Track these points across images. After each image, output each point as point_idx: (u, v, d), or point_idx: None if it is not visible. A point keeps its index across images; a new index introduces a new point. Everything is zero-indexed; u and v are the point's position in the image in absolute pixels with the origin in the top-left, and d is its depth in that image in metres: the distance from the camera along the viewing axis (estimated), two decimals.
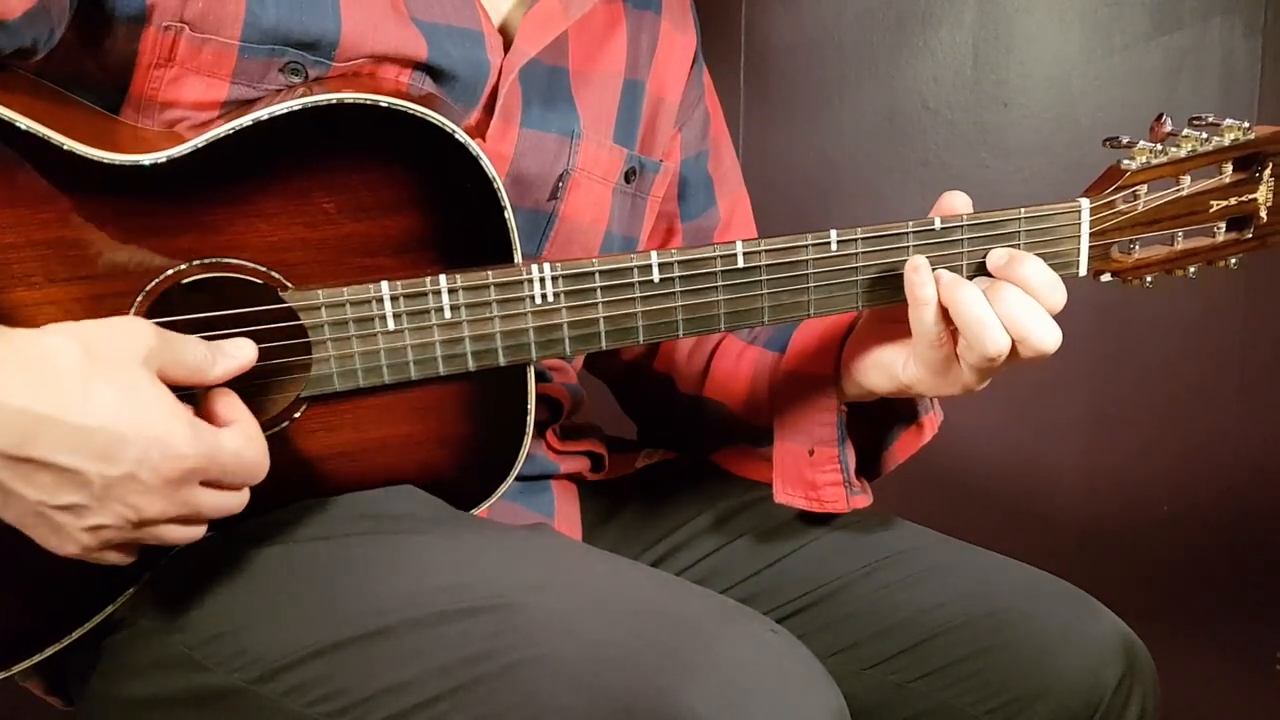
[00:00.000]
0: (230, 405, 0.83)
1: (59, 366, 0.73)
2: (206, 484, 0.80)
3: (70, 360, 0.74)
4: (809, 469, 1.07)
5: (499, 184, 0.89)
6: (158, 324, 0.81)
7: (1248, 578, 2.18)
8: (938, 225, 0.95)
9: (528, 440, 0.96)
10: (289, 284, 0.87)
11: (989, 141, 2.04)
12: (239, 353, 0.85)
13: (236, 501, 0.83)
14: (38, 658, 0.90)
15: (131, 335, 0.78)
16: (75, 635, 0.90)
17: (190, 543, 0.83)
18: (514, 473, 0.97)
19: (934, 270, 0.93)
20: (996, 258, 0.95)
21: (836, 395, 1.05)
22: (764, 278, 0.94)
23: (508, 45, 1.02)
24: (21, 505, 0.75)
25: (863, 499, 1.08)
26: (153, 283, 0.85)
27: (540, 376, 1.11)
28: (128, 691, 0.92)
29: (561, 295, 0.91)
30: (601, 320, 0.93)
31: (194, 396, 0.82)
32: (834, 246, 0.94)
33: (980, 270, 0.96)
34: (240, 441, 0.81)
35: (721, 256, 0.93)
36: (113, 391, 0.74)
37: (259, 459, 0.83)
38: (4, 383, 0.71)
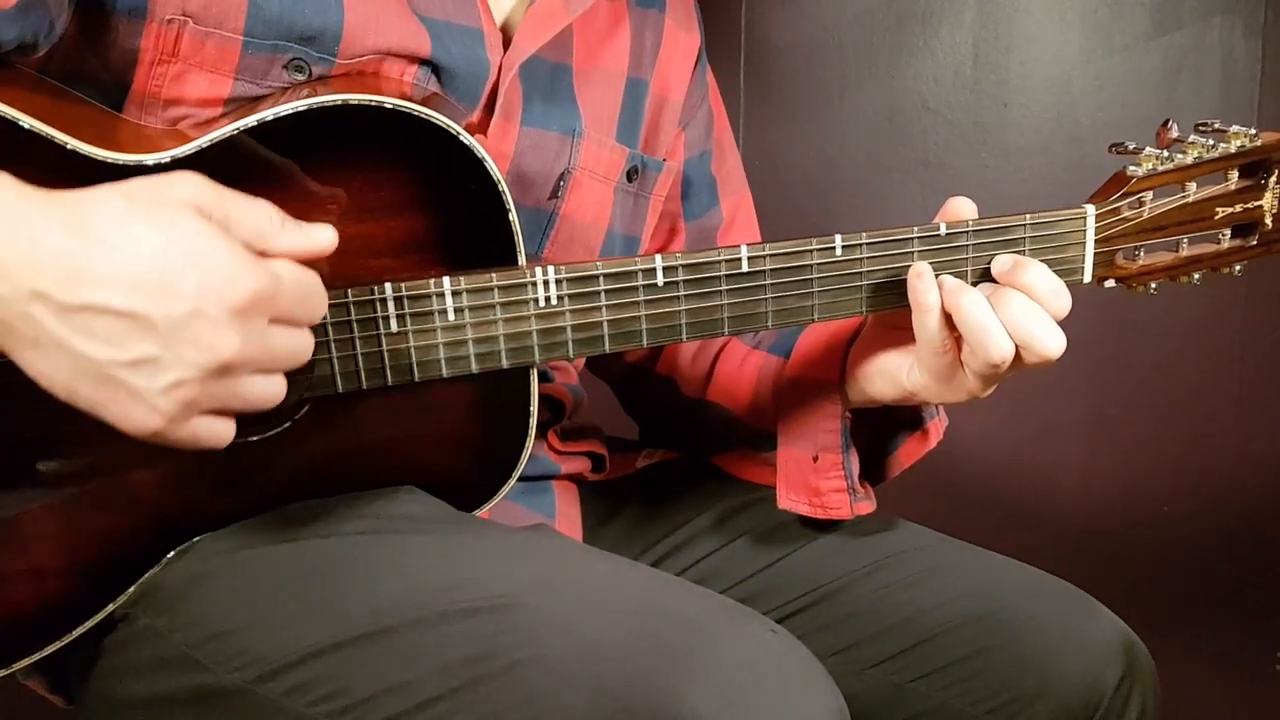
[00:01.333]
0: (271, 249, 0.77)
1: (102, 211, 0.70)
2: (275, 321, 0.75)
3: (112, 207, 0.70)
4: (813, 475, 1.07)
5: (503, 186, 0.89)
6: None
7: (1248, 578, 2.19)
8: (943, 231, 0.95)
9: (530, 441, 0.96)
10: None
11: (989, 141, 2.05)
12: (316, 231, 0.78)
13: (305, 343, 0.78)
14: (38, 655, 0.90)
15: (178, 184, 0.73)
16: (76, 633, 0.90)
17: (274, 402, 0.77)
18: (516, 474, 0.97)
19: (938, 276, 0.94)
20: (1001, 264, 0.95)
21: (841, 401, 1.05)
22: (768, 282, 0.94)
23: (509, 42, 1.02)
24: (91, 370, 0.70)
25: (866, 505, 1.08)
26: None
27: (542, 377, 1.11)
28: (128, 691, 0.92)
29: (565, 298, 0.91)
30: (605, 323, 0.93)
31: None
32: (839, 251, 0.94)
33: (985, 276, 0.96)
34: (297, 270, 0.76)
35: (726, 260, 0.93)
36: (155, 230, 0.70)
37: (318, 287, 0.78)
38: (45, 227, 0.68)
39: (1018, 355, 0.92)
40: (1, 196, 0.68)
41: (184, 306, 0.70)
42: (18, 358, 0.70)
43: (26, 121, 0.79)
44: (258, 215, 0.76)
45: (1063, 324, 0.93)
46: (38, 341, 0.69)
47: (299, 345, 0.77)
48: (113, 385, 0.71)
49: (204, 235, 0.72)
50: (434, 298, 0.89)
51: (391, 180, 0.87)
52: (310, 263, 0.78)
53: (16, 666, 0.90)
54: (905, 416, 1.10)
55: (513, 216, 0.89)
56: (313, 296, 0.78)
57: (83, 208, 0.70)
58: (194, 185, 0.74)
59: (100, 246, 0.69)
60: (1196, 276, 1.04)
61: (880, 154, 2.05)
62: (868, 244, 0.94)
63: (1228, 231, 1.03)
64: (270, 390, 0.76)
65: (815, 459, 1.07)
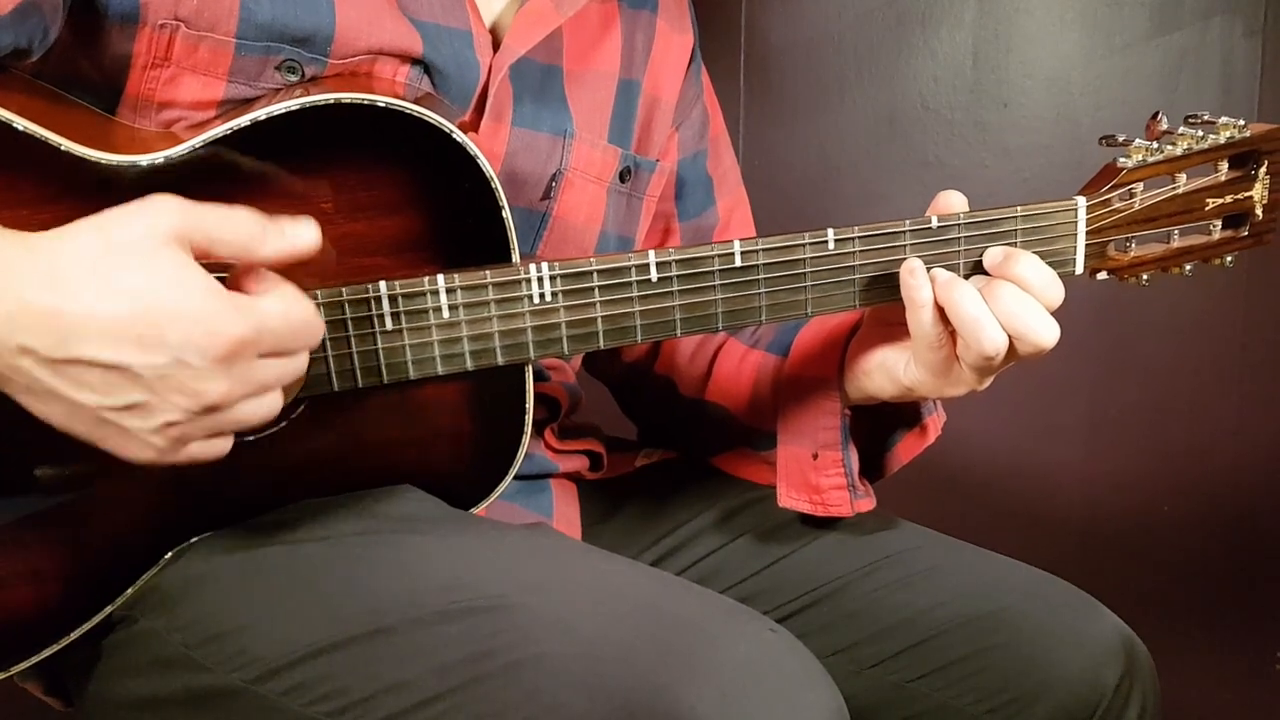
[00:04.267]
0: (260, 274, 0.78)
1: (80, 261, 0.71)
2: (264, 355, 0.76)
3: (90, 253, 0.71)
4: (813, 472, 1.07)
5: (497, 183, 0.89)
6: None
7: (1248, 578, 2.18)
8: (934, 224, 0.95)
9: (526, 439, 0.96)
10: None
11: (989, 141, 2.05)
12: (298, 231, 0.78)
13: (298, 366, 0.79)
14: (37, 658, 0.90)
15: (155, 216, 0.73)
16: (75, 635, 0.90)
17: (272, 417, 0.78)
18: (513, 471, 0.97)
19: (930, 270, 0.94)
20: (993, 256, 0.95)
21: (840, 398, 1.05)
22: (761, 277, 0.94)
23: (500, 44, 1.02)
24: (85, 414, 0.73)
25: (866, 502, 1.08)
26: None
27: (538, 376, 1.11)
28: (127, 692, 0.92)
29: (559, 295, 0.91)
30: (599, 320, 0.93)
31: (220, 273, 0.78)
32: (831, 245, 0.94)
33: (977, 269, 0.96)
34: (284, 304, 0.77)
35: (719, 256, 0.93)
36: (137, 278, 0.71)
37: (309, 316, 0.78)
38: (26, 283, 0.69)
39: (1012, 347, 0.92)
40: None
41: (167, 357, 0.72)
42: (15, 398, 0.73)
43: (20, 123, 0.79)
44: (239, 230, 0.76)
45: (1062, 323, 0.93)
46: (30, 389, 0.72)
47: (291, 371, 0.78)
48: (106, 425, 0.74)
49: (184, 278, 0.72)
50: (428, 295, 0.89)
51: (385, 179, 0.87)
52: (303, 263, 0.78)
53: (15, 669, 0.90)
54: (903, 413, 1.10)
55: (506, 214, 0.89)
56: (302, 329, 0.78)
57: (61, 259, 0.71)
58: (172, 212, 0.73)
59: (81, 301, 0.70)
60: (1188, 268, 1.04)
61: (880, 154, 2.05)
62: (860, 237, 0.95)
63: (1218, 222, 1.03)
64: (264, 409, 0.78)
65: (815, 456, 1.07)
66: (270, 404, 0.78)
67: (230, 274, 0.79)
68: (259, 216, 0.77)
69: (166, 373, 0.72)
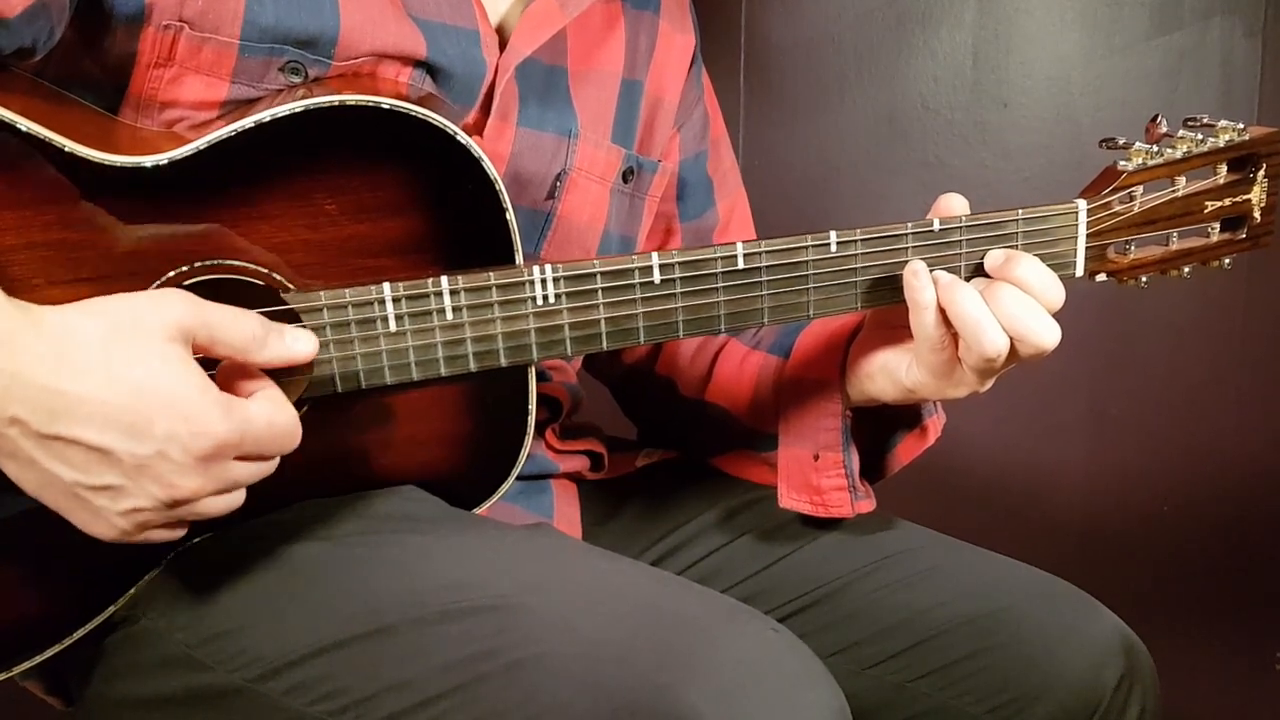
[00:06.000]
0: (252, 372, 0.82)
1: (83, 344, 0.73)
2: (240, 457, 0.79)
3: (94, 337, 0.73)
4: (814, 474, 1.07)
5: (500, 185, 0.89)
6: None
7: (1248, 578, 2.18)
8: (936, 226, 0.95)
9: (528, 440, 0.96)
10: (290, 285, 0.87)
11: (989, 141, 2.04)
12: (296, 343, 0.83)
13: (269, 469, 0.82)
14: (38, 658, 0.90)
15: (161, 309, 0.76)
16: (77, 635, 0.90)
17: (229, 510, 0.81)
18: (515, 472, 0.97)
19: (932, 272, 0.94)
20: (994, 258, 0.96)
21: (841, 400, 1.05)
22: (764, 279, 0.94)
23: (505, 44, 1.02)
24: (58, 486, 0.75)
25: (867, 503, 1.08)
26: (155, 284, 0.85)
27: (540, 376, 1.11)
28: (128, 691, 0.92)
29: (563, 296, 0.91)
30: (602, 321, 0.93)
31: (213, 367, 0.81)
32: (834, 248, 0.95)
33: (979, 271, 0.97)
34: (270, 410, 0.80)
35: (722, 258, 0.93)
36: (136, 368, 0.74)
37: (291, 426, 0.82)
38: (28, 358, 0.71)
39: (1013, 348, 0.92)
40: None
41: (151, 449, 0.74)
42: None
43: (24, 124, 0.79)
44: (241, 332, 0.79)
45: (1063, 323, 0.94)
46: (14, 455, 0.74)
47: (261, 473, 0.81)
48: (77, 500, 0.76)
49: (181, 377, 0.75)
50: (432, 297, 0.89)
51: (388, 180, 0.87)
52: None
53: (18, 669, 0.90)
54: (904, 414, 1.10)
55: (510, 215, 0.90)
56: (282, 437, 0.81)
57: (67, 340, 0.73)
58: (179, 307, 0.76)
59: (78, 383, 0.72)
60: (1187, 270, 1.05)
61: (880, 154, 2.05)
62: (862, 240, 0.95)
63: (1216, 225, 1.04)
64: (225, 505, 0.81)
65: (816, 458, 1.07)
66: (233, 500, 0.81)
67: (220, 367, 0.81)
68: (262, 321, 0.80)
69: (147, 462, 0.75)
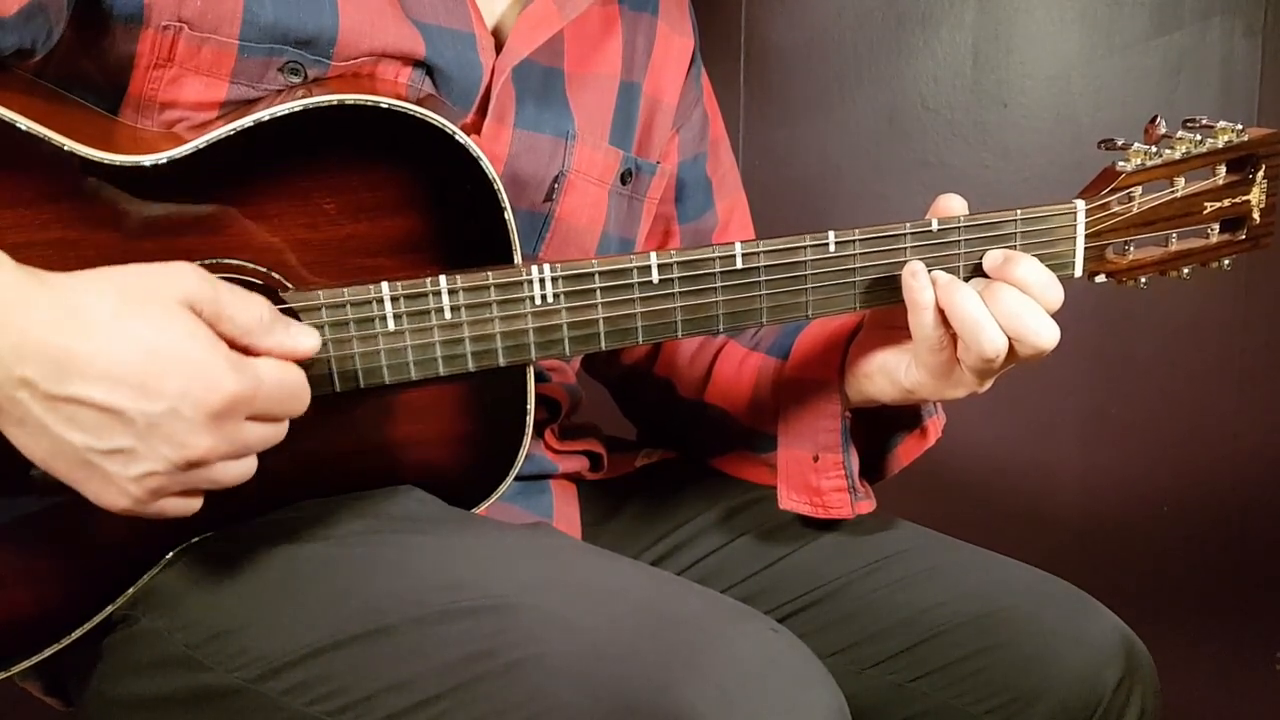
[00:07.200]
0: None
1: (93, 305, 0.73)
2: (252, 418, 0.78)
3: (104, 300, 0.73)
4: (813, 475, 1.07)
5: (499, 184, 0.89)
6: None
7: (1248, 577, 2.18)
8: (935, 227, 0.95)
9: (527, 440, 0.96)
10: (289, 285, 0.88)
11: (989, 141, 2.05)
12: (300, 337, 0.81)
13: (279, 432, 0.81)
14: (37, 658, 0.90)
15: (172, 279, 0.76)
16: (75, 635, 0.90)
17: (243, 480, 0.80)
18: (514, 472, 0.97)
19: (930, 272, 0.94)
20: (993, 259, 0.96)
21: (840, 400, 1.05)
22: (762, 279, 0.94)
23: (502, 46, 1.02)
24: (69, 452, 0.74)
25: (867, 504, 1.08)
26: None
27: (539, 377, 1.11)
28: (128, 691, 0.92)
29: (561, 296, 0.91)
30: (601, 321, 0.93)
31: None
32: (832, 248, 0.95)
33: (977, 271, 0.97)
34: (280, 369, 0.79)
35: (720, 258, 0.93)
36: (145, 327, 0.73)
37: (301, 386, 0.81)
38: (36, 318, 0.71)
39: (1012, 348, 0.92)
40: None
41: (162, 406, 0.73)
42: (3, 430, 0.74)
43: (24, 123, 0.79)
44: (248, 313, 0.78)
45: (1061, 323, 0.94)
46: (23, 421, 0.73)
47: (273, 436, 0.81)
48: (88, 468, 0.75)
49: (191, 337, 0.75)
50: (431, 296, 0.89)
51: (388, 180, 0.87)
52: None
53: (16, 669, 0.90)
54: (903, 415, 1.10)
55: (508, 215, 0.90)
56: (293, 398, 0.81)
57: (77, 299, 0.72)
58: (190, 280, 0.76)
59: (89, 342, 0.72)
60: (1186, 271, 1.05)
61: (880, 154, 2.05)
62: (860, 240, 0.95)
63: (1216, 226, 1.04)
64: (239, 471, 0.80)
65: (816, 459, 1.07)
66: (246, 467, 0.80)
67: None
68: (271, 309, 0.80)
69: (159, 421, 0.74)
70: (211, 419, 0.75)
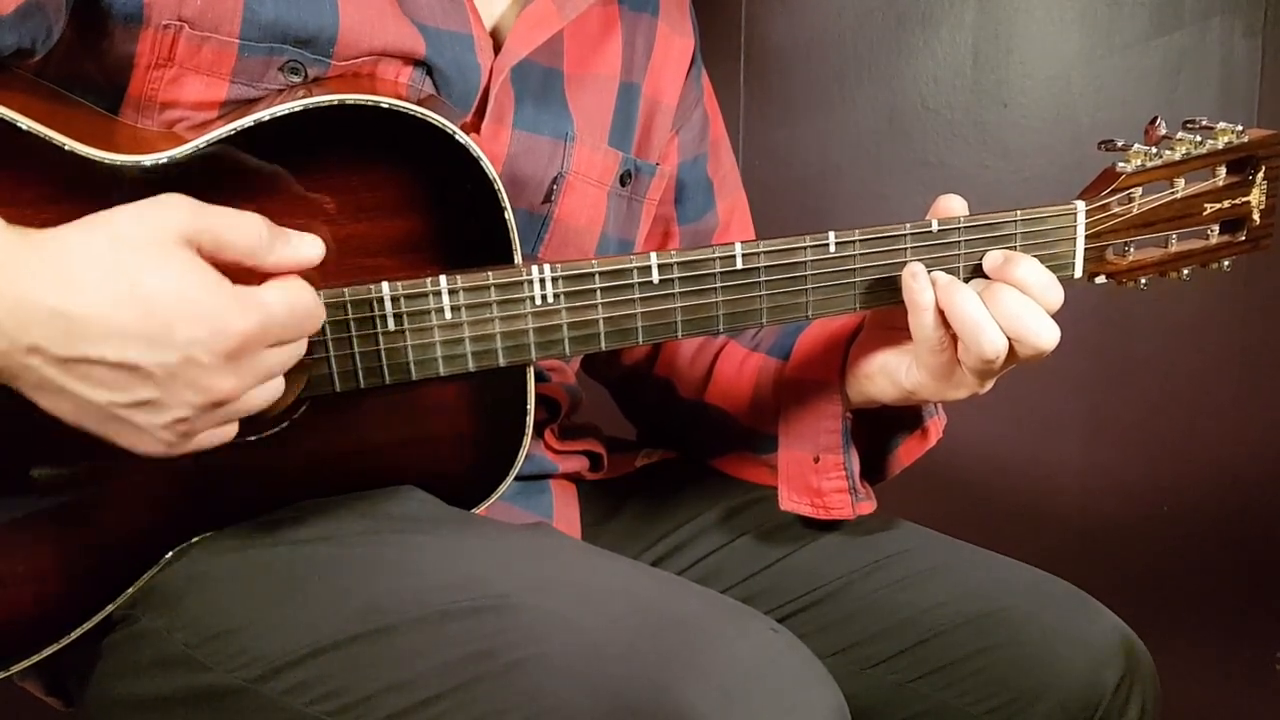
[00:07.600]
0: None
1: (89, 260, 0.72)
2: (269, 346, 0.78)
3: (99, 252, 0.72)
4: (814, 476, 1.07)
5: (499, 184, 0.89)
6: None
7: (1248, 578, 2.18)
8: (935, 227, 0.95)
9: (527, 440, 0.96)
10: None
11: (989, 141, 2.04)
12: (303, 245, 0.80)
13: (299, 351, 0.81)
14: (37, 657, 0.90)
15: (163, 215, 0.74)
16: (75, 635, 0.90)
17: (275, 399, 0.81)
18: (514, 472, 0.97)
19: (930, 273, 0.94)
20: (993, 259, 0.96)
21: (841, 401, 1.05)
22: (762, 279, 0.94)
23: (500, 47, 1.02)
24: (94, 410, 0.74)
25: (868, 505, 1.08)
26: None
27: (539, 377, 1.11)
28: (128, 691, 0.92)
29: (561, 296, 0.91)
30: (601, 321, 0.93)
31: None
32: (832, 248, 0.95)
33: (977, 272, 0.97)
34: (286, 294, 0.78)
35: (720, 258, 0.93)
36: (146, 277, 0.72)
37: (311, 304, 0.80)
38: (34, 283, 0.70)
39: (1012, 349, 0.92)
40: None
41: (176, 355, 0.73)
42: (26, 395, 0.73)
43: (24, 123, 0.79)
44: (247, 234, 0.77)
45: (1061, 323, 0.94)
46: (41, 386, 0.73)
47: (294, 355, 0.80)
48: (117, 422, 0.75)
49: (191, 277, 0.74)
50: (430, 296, 0.89)
51: (388, 180, 0.87)
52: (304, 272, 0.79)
53: (16, 669, 0.90)
54: (904, 415, 1.10)
55: (509, 215, 0.90)
56: (305, 319, 0.80)
57: (68, 256, 0.71)
58: (181, 212, 0.75)
59: (88, 300, 0.71)
60: (1185, 272, 1.05)
61: (880, 154, 2.05)
62: (861, 240, 0.95)
63: (1216, 227, 1.04)
64: (268, 394, 0.80)
65: (816, 460, 1.07)
66: (274, 388, 0.80)
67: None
68: (267, 223, 0.78)
69: (176, 370, 0.73)
70: (228, 359, 0.75)
